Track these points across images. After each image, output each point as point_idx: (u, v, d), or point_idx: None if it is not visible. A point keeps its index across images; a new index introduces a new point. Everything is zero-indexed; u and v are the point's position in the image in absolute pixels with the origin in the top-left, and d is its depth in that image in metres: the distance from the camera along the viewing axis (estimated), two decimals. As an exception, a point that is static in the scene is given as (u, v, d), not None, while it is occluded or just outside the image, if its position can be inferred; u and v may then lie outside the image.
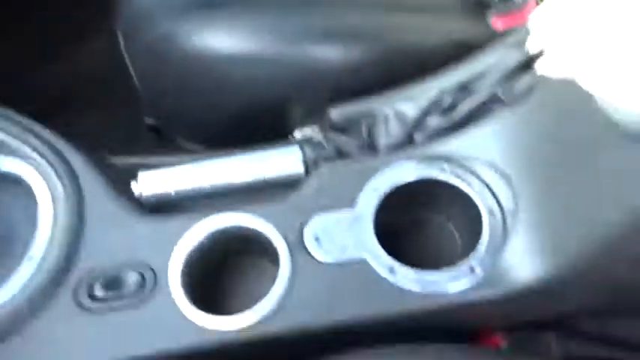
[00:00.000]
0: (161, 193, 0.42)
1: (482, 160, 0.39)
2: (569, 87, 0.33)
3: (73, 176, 0.40)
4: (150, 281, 0.37)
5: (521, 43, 0.40)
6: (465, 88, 0.40)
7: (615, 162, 0.32)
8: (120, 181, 0.41)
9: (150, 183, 0.42)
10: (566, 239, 0.35)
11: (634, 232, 0.34)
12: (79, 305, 0.36)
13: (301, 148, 0.43)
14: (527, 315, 0.39)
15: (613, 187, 0.33)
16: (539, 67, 0.38)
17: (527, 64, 0.38)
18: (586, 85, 0.33)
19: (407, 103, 0.42)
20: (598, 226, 0.33)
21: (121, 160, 0.45)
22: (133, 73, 0.52)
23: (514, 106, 0.38)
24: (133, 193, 0.41)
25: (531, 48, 0.37)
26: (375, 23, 0.49)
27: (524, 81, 0.38)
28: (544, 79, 0.36)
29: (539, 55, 0.37)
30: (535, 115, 0.37)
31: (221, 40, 0.49)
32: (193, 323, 0.35)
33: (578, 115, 0.34)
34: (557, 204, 0.35)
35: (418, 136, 0.42)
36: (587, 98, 0.32)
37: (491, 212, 0.39)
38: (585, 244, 0.35)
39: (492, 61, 0.40)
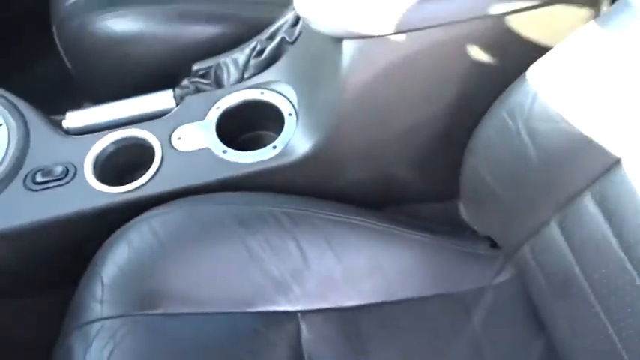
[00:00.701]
0: (82, 126, 0.63)
1: (282, 82, 0.61)
2: (311, 30, 0.56)
3: (21, 115, 0.61)
4: (72, 171, 0.58)
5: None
6: (270, 38, 0.63)
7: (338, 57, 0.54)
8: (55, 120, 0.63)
9: (74, 118, 0.63)
10: (324, 121, 0.57)
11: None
12: (27, 188, 0.57)
13: (173, 90, 0.65)
14: (318, 179, 0.61)
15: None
16: (303, 21, 0.60)
17: (297, 20, 0.60)
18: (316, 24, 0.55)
19: (239, 54, 0.65)
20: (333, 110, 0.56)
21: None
22: (63, 55, 0.74)
23: (293, 45, 0.60)
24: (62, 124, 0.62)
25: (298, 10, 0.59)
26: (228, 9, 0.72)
27: (297, 29, 0.60)
28: (305, 27, 0.59)
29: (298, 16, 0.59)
30: (302, 47, 0.59)
31: (123, 26, 0.71)
32: (99, 191, 0.57)
33: (317, 42, 0.56)
34: (316, 99, 0.58)
35: (246, 74, 0.64)
36: (316, 33, 0.55)
37: (289, 114, 0.61)
38: (333, 125, 0.57)
39: (283, 20, 0.62)
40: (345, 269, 0.56)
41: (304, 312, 0.53)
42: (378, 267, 0.57)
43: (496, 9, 0.50)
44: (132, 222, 0.53)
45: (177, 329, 0.49)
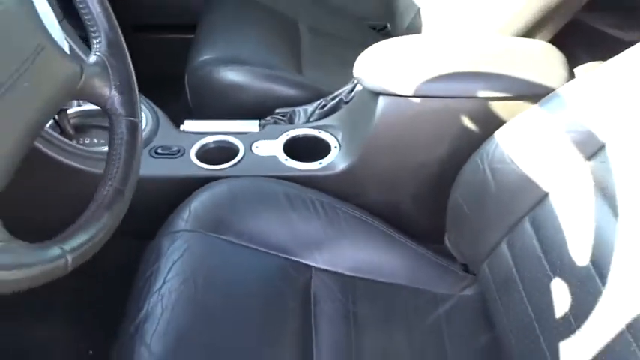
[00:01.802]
0: (194, 130, 0.90)
1: (335, 127, 0.87)
2: (361, 92, 0.83)
3: (156, 116, 0.88)
4: (181, 152, 0.83)
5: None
6: (332, 99, 0.90)
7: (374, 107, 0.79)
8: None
9: (189, 124, 0.90)
10: (356, 151, 0.81)
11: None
12: (151, 156, 0.83)
13: (259, 121, 0.91)
14: (346, 194, 0.83)
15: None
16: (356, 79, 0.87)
17: (354, 88, 0.88)
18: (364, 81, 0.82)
19: (308, 106, 0.92)
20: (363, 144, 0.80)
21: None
22: (188, 92, 1.04)
23: (347, 104, 0.87)
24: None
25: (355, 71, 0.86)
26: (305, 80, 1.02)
27: (352, 94, 0.87)
28: (357, 91, 0.86)
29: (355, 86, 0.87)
30: (353, 105, 0.86)
31: (233, 77, 1.01)
32: (195, 165, 0.81)
33: (363, 99, 0.82)
34: (354, 136, 0.82)
35: (312, 119, 0.91)
36: (364, 93, 0.81)
37: (335, 147, 0.85)
38: (362, 155, 0.81)
39: (344, 89, 0.90)
40: (353, 251, 0.76)
41: (317, 268, 0.73)
42: (377, 256, 0.77)
43: (481, 94, 0.76)
44: (215, 182, 0.77)
45: (232, 251, 0.70)
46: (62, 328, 0.86)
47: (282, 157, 0.84)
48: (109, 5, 0.52)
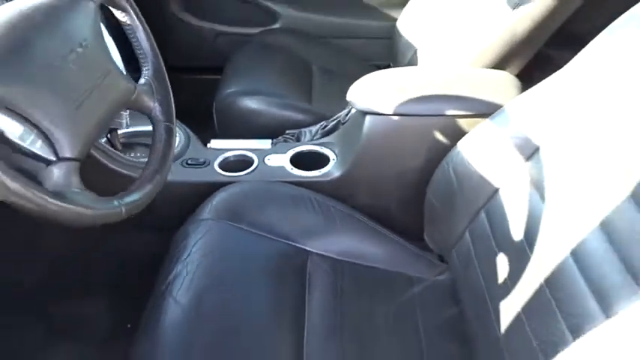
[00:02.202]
0: (218, 147, 1.08)
1: (333, 143, 1.05)
2: (354, 114, 1.00)
3: (188, 136, 1.08)
4: (207, 163, 1.02)
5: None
6: (333, 121, 1.08)
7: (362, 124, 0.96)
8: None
9: (214, 142, 1.09)
10: (349, 161, 0.98)
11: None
12: (182, 166, 1.01)
13: (272, 140, 1.10)
14: (341, 196, 0.99)
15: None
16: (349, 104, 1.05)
17: (349, 112, 1.05)
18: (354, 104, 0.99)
19: (313, 127, 1.10)
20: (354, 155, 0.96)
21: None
22: (215, 119, 1.24)
23: (344, 124, 1.04)
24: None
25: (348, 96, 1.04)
26: (312, 108, 1.21)
27: (347, 117, 1.05)
28: (351, 114, 1.03)
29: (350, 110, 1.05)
30: (348, 124, 1.03)
31: (254, 105, 1.21)
32: (218, 173, 0.99)
33: (355, 119, 0.99)
34: (347, 150, 0.99)
35: (315, 138, 1.08)
36: (356, 114, 0.98)
37: (332, 159, 1.02)
38: (353, 164, 0.97)
39: (341, 113, 1.08)
40: (343, 240, 0.92)
41: (312, 252, 0.89)
42: (362, 244, 0.92)
43: (448, 113, 0.92)
44: (232, 184, 0.94)
45: (244, 236, 0.87)
46: (106, 305, 1.04)
47: (289, 167, 1.02)
48: (154, 43, 0.72)
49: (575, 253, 0.65)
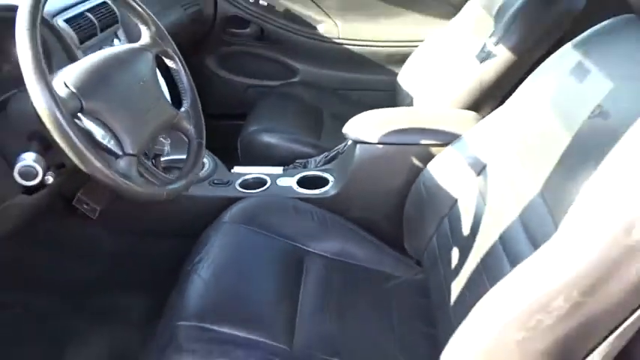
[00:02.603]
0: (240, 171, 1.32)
1: (332, 170, 1.27)
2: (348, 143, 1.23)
3: (215, 161, 1.33)
4: (230, 182, 1.25)
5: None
6: (334, 152, 1.30)
7: (354, 151, 1.18)
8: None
9: (237, 169, 1.32)
10: (343, 182, 1.19)
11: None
12: (210, 185, 1.25)
13: (283, 167, 1.33)
14: (338, 211, 1.20)
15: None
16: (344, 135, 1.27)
17: (346, 144, 1.28)
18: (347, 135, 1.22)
19: (317, 157, 1.33)
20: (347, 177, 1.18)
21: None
22: (239, 153, 1.48)
23: (342, 154, 1.27)
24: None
25: (344, 129, 1.27)
26: (319, 143, 1.45)
27: (345, 148, 1.27)
28: (348, 146, 1.26)
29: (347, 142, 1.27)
30: (344, 154, 1.25)
31: (271, 140, 1.46)
32: (239, 190, 1.22)
33: (349, 150, 1.22)
34: (342, 173, 1.21)
35: (319, 165, 1.31)
36: (350, 145, 1.21)
37: (331, 181, 1.24)
38: (346, 185, 1.19)
39: (340, 146, 1.30)
40: (335, 243, 1.12)
41: (310, 251, 1.09)
42: (351, 248, 1.12)
43: (422, 142, 1.14)
44: (247, 198, 1.17)
45: (256, 236, 1.08)
46: (140, 298, 1.25)
47: (296, 187, 1.24)
48: (193, 83, 0.97)
49: (501, 238, 0.84)
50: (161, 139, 1.06)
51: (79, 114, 0.72)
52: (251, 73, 1.98)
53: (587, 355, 0.65)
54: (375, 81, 1.89)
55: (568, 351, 0.65)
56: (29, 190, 0.84)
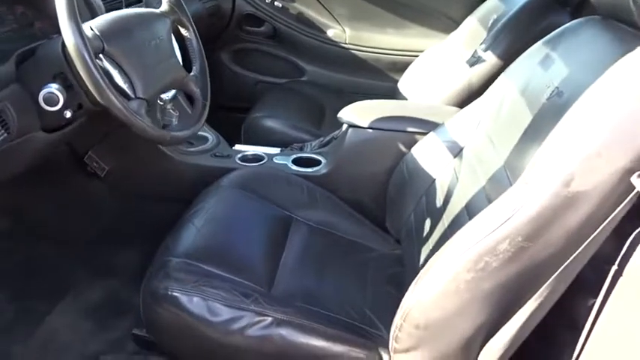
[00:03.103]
0: (242, 148, 1.41)
1: (327, 152, 1.35)
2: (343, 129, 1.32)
3: (218, 137, 1.42)
4: (230, 156, 1.34)
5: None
6: (330, 137, 1.39)
7: (346, 135, 1.27)
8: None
9: (239, 147, 1.41)
10: (334, 161, 1.28)
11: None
12: (211, 156, 1.34)
13: (281, 149, 1.42)
14: (331, 191, 1.28)
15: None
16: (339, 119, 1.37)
17: (341, 130, 1.37)
18: (342, 119, 1.31)
19: (314, 141, 1.42)
20: (338, 157, 1.27)
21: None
22: (242, 132, 1.58)
23: (337, 139, 1.36)
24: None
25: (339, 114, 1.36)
26: (320, 133, 1.53)
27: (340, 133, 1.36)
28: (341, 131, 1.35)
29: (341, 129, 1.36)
30: (338, 138, 1.34)
31: (272, 123, 1.55)
32: (237, 162, 1.31)
33: (342, 133, 1.31)
34: (335, 154, 1.29)
35: (315, 149, 1.39)
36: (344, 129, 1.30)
37: (323, 162, 1.32)
38: (337, 163, 1.27)
39: (336, 132, 1.39)
40: (320, 213, 1.20)
41: (296, 218, 1.17)
42: (335, 219, 1.20)
43: (408, 129, 1.23)
44: (245, 168, 1.26)
45: (249, 199, 1.16)
46: (137, 255, 1.33)
47: (291, 164, 1.33)
48: (203, 50, 1.07)
49: (467, 207, 0.92)
50: (170, 110, 1.16)
51: (100, 55, 0.82)
52: (262, 69, 2.09)
53: (531, 296, 0.72)
54: (377, 86, 1.99)
55: (513, 292, 0.72)
56: (48, 127, 0.93)
